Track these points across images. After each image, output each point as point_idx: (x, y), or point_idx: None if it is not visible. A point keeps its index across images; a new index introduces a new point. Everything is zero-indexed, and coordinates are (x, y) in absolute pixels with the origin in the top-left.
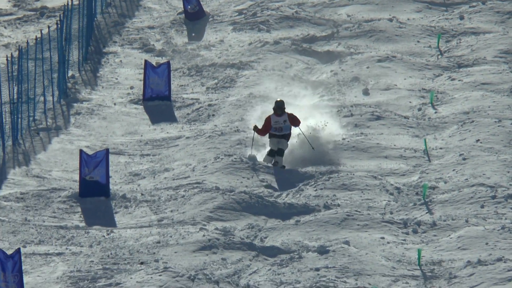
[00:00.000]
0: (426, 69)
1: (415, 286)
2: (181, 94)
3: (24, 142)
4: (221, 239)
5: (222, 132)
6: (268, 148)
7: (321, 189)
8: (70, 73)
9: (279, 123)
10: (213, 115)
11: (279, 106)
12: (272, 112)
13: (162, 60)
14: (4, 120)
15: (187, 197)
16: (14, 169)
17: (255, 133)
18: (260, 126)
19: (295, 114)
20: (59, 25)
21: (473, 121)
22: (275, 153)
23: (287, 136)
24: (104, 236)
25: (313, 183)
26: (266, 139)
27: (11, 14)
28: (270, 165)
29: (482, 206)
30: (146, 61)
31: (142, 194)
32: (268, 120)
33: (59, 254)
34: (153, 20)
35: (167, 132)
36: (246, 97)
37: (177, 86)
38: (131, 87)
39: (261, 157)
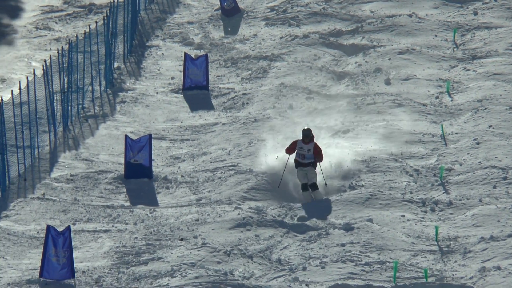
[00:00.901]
0: (443, 60)
1: (432, 260)
2: (218, 84)
3: (73, 128)
4: (254, 217)
5: (255, 119)
6: (297, 179)
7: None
8: (116, 65)
9: (303, 150)
10: (247, 103)
11: (306, 135)
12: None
13: (201, 52)
14: (55, 108)
15: (223, 179)
16: (64, 153)
17: (288, 157)
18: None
19: (320, 145)
20: (105, 21)
21: (486, 108)
22: (309, 187)
23: (313, 164)
24: (147, 215)
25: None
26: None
27: (61, 10)
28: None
29: (494, 187)
30: (185, 53)
31: (182, 176)
32: (294, 143)
33: (106, 231)
34: (192, 16)
35: (205, 119)
36: (277, 87)
37: (214, 76)
38: (172, 78)
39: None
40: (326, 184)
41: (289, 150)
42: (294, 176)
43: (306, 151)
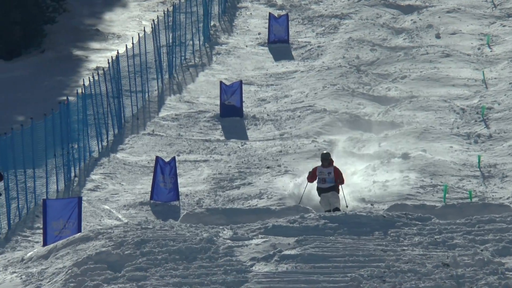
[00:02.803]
0: (484, 18)
1: (476, 183)
2: (297, 38)
3: (177, 75)
4: (328, 148)
5: (328, 67)
6: (322, 207)
7: (405, 110)
8: (212, 23)
9: (324, 174)
10: (321, 54)
11: (325, 158)
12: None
13: (282, 12)
14: (162, 59)
15: (302, 117)
16: (170, 96)
17: (307, 183)
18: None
19: (340, 168)
20: None
21: None
22: (333, 212)
23: (335, 188)
24: (239, 147)
25: (397, 106)
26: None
27: None
28: None
29: None
30: (270, 13)
31: (267, 115)
32: (314, 169)
33: (205, 161)
34: None
35: (286, 67)
36: (346, 40)
37: (293, 32)
38: (259, 33)
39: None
40: (347, 206)
41: (311, 178)
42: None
43: (327, 174)
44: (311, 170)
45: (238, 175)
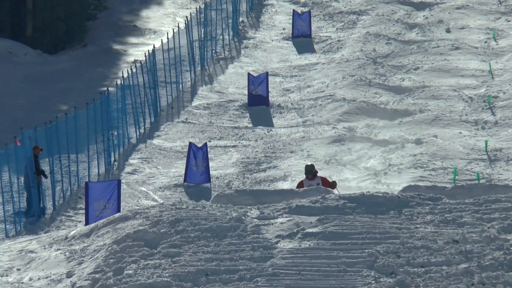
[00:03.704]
0: (490, 14)
1: (483, 166)
2: (319, 33)
3: (208, 67)
4: (347, 135)
5: (347, 59)
6: None
7: (417, 99)
8: (240, 19)
9: (312, 187)
10: (341, 47)
11: (309, 171)
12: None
13: (305, 9)
14: (195, 52)
15: (323, 105)
16: (202, 86)
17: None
18: None
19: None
20: None
21: None
22: None
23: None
24: (265, 133)
25: (410, 95)
26: None
27: None
28: None
29: None
30: (293, 10)
31: (291, 104)
32: (300, 184)
33: (234, 146)
34: None
35: (309, 60)
36: (364, 35)
37: (315, 27)
38: (283, 28)
39: None
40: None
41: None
42: None
43: (315, 185)
44: (296, 186)
45: (265, 159)
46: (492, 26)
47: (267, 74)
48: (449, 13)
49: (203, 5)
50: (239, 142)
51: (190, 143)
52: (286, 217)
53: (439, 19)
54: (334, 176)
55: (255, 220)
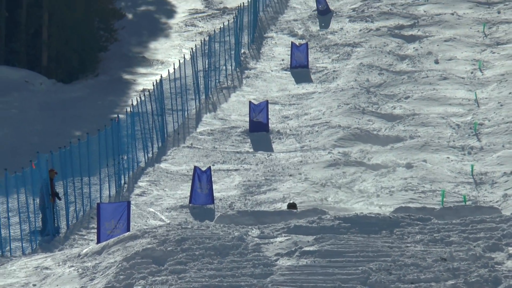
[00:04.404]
0: (476, 46)
1: (469, 189)
2: (315, 64)
3: (212, 96)
4: (342, 159)
5: (342, 89)
6: None
7: (408, 125)
8: (242, 51)
9: None
10: (336, 77)
11: (292, 208)
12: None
13: (303, 41)
14: (199, 82)
15: (320, 132)
16: (206, 114)
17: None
18: None
19: None
20: (235, 19)
21: (506, 80)
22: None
23: None
24: (265, 158)
25: (401, 122)
26: None
27: (203, 12)
28: None
29: None
30: (292, 42)
31: (290, 130)
32: None
33: (236, 170)
34: (296, 15)
35: (306, 89)
36: (358, 65)
37: (312, 58)
38: (282, 60)
39: None
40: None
41: None
42: None
43: None
44: None
45: (265, 182)
46: (478, 58)
47: (267, 102)
48: (437, 45)
49: (208, 38)
50: (241, 166)
51: (195, 167)
52: (285, 236)
53: (428, 51)
54: (330, 198)
55: (256, 239)
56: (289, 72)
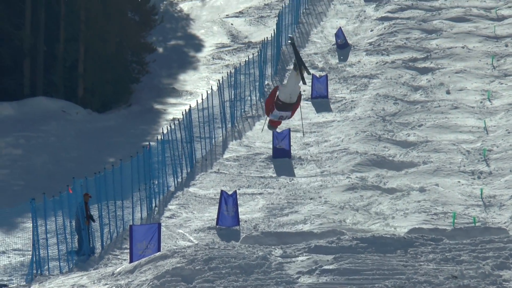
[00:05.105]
0: (485, 77)
1: (479, 211)
2: (334, 94)
3: (238, 125)
4: (359, 183)
5: (359, 117)
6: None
7: (421, 152)
8: (266, 82)
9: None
10: (354, 107)
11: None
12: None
13: (323, 73)
14: (225, 111)
15: (338, 158)
16: (232, 141)
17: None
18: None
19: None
20: (259, 53)
21: None
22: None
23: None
24: (288, 182)
25: (415, 148)
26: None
27: (229, 46)
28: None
29: None
30: (313, 74)
31: (311, 156)
32: (275, 91)
33: (260, 193)
34: (317, 49)
35: (326, 118)
36: (374, 96)
37: (332, 89)
38: (304, 90)
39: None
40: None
41: (270, 99)
42: None
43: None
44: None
45: (287, 205)
46: (487, 88)
47: (289, 130)
48: (449, 76)
49: (233, 70)
50: (265, 190)
51: (222, 191)
52: (306, 255)
53: (440, 82)
54: (348, 220)
55: (279, 258)
56: (310, 102)
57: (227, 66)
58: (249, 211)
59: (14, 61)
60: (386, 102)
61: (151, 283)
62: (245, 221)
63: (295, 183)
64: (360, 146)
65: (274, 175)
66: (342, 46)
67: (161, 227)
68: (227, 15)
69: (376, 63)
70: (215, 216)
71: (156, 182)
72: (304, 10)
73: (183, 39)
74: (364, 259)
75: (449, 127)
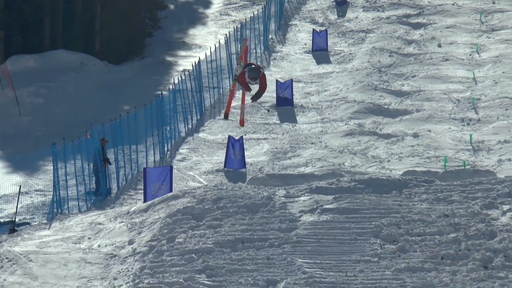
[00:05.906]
0: (474, 32)
1: (468, 155)
2: (334, 48)
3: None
4: (357, 129)
5: (357, 68)
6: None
7: (414, 100)
8: (270, 36)
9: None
10: (352, 59)
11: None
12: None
13: (323, 28)
14: (232, 63)
15: (338, 106)
16: (238, 90)
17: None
18: None
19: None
20: (263, 9)
21: (501, 61)
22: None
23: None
24: (290, 128)
25: (409, 97)
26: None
27: (236, 3)
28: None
29: (506, 109)
30: (313, 29)
31: (312, 104)
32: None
33: (265, 139)
34: (317, 5)
35: (326, 69)
36: (370, 49)
37: (331, 43)
38: (305, 44)
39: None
40: (268, 111)
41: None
42: None
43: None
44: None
45: (290, 149)
46: (476, 42)
47: (291, 80)
48: (440, 31)
49: (240, 25)
50: (269, 136)
51: (229, 136)
52: (307, 196)
53: (432, 36)
54: (347, 163)
55: (282, 198)
56: (311, 55)
57: (233, 21)
58: (255, 154)
59: (36, 18)
60: (381, 55)
61: (163, 221)
62: (251, 164)
63: (297, 129)
64: (357, 95)
65: (278, 122)
66: (341, 3)
67: (173, 169)
68: None
69: (372, 18)
70: (223, 159)
71: (168, 128)
72: None
73: None
74: (361, 199)
75: (441, 77)
